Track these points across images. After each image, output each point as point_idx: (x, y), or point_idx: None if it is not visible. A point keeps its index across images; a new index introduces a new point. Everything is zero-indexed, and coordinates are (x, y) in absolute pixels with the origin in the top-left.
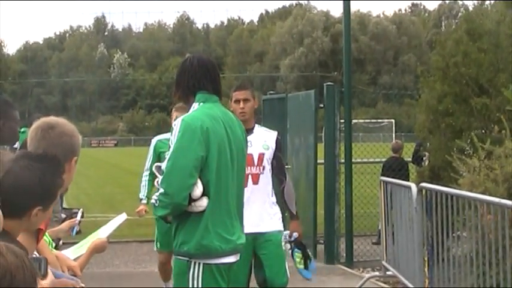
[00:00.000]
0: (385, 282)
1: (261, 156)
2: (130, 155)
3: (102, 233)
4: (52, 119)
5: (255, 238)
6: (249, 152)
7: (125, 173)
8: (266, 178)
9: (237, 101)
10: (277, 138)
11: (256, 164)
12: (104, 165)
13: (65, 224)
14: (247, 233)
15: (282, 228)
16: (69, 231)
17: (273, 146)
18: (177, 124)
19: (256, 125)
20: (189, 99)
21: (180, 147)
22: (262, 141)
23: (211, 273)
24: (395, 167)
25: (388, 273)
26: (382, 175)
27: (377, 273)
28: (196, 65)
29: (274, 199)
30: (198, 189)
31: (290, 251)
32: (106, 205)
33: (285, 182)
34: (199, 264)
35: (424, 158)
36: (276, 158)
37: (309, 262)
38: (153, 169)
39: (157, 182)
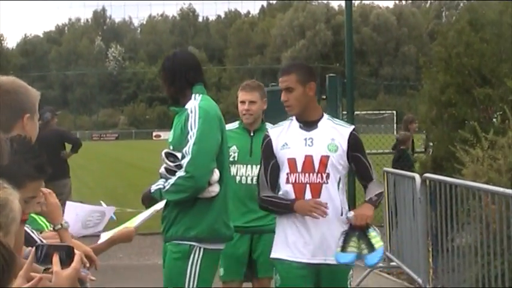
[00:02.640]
0: (389, 273)
1: (324, 160)
2: (131, 148)
3: (133, 223)
4: None
5: (317, 270)
6: (308, 153)
7: (127, 166)
8: (332, 190)
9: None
10: (351, 134)
11: (317, 170)
12: (105, 158)
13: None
14: (308, 263)
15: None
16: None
17: (344, 146)
18: (194, 110)
19: (325, 116)
20: (186, 92)
21: (204, 132)
22: (328, 139)
23: (211, 258)
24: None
25: (392, 264)
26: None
27: (381, 264)
28: (190, 58)
29: (345, 218)
30: (216, 174)
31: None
32: (108, 198)
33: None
34: (199, 249)
35: (405, 151)
36: (354, 160)
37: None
38: (163, 155)
39: (166, 168)
